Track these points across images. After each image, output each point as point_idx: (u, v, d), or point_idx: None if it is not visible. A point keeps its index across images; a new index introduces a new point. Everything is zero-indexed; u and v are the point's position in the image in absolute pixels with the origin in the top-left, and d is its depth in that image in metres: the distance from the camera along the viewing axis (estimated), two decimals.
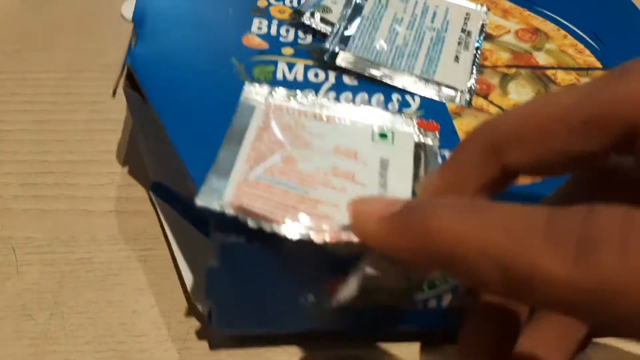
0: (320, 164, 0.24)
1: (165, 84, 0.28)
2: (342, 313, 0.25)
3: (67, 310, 0.28)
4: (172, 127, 0.26)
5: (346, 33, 0.32)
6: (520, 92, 0.32)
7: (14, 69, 0.40)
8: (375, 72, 0.31)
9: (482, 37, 0.34)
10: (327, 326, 0.26)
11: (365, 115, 0.27)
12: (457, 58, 0.32)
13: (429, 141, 0.27)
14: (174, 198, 0.31)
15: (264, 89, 0.27)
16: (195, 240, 0.29)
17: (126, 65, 0.28)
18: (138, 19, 0.31)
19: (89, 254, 0.30)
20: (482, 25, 0.35)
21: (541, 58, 0.34)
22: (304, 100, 0.27)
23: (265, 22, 0.33)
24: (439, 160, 0.27)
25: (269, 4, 0.35)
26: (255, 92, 0.27)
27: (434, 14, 0.35)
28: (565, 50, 0.35)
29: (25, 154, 0.35)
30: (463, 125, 0.30)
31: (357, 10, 0.33)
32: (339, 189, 0.23)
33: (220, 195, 0.22)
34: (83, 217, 0.32)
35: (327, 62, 0.31)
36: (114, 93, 0.29)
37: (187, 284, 0.28)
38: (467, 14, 0.35)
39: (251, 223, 0.22)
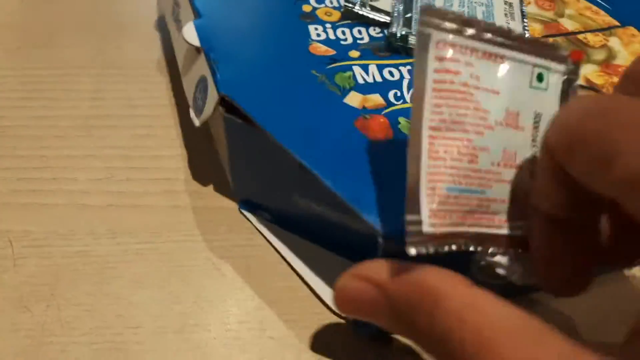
0: (494, 148, 0.22)
1: (266, 105, 0.28)
2: None
3: (63, 303, 0.28)
4: (298, 149, 0.26)
5: (407, 15, 0.32)
6: None
7: (14, 66, 0.39)
8: None
9: (523, 6, 0.34)
10: None
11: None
12: (508, 24, 0.32)
13: (573, 77, 0.24)
14: (273, 212, 0.31)
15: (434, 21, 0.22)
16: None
17: (219, 94, 0.28)
18: (206, 45, 0.30)
19: (86, 247, 0.30)
20: None
21: (568, 24, 0.35)
22: (472, 31, 0.22)
23: (320, 28, 0.33)
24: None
25: (314, 8, 0.34)
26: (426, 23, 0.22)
27: None
28: (584, 14, 0.36)
29: (24, 149, 0.34)
30: None
31: None
32: (506, 180, 0.22)
33: (421, 231, 0.21)
34: (81, 211, 0.31)
35: (398, 46, 0.31)
36: (200, 123, 0.29)
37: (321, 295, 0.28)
38: None
39: (452, 247, 0.21)
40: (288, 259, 0.30)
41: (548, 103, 0.23)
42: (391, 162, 0.26)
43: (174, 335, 0.27)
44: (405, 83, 0.30)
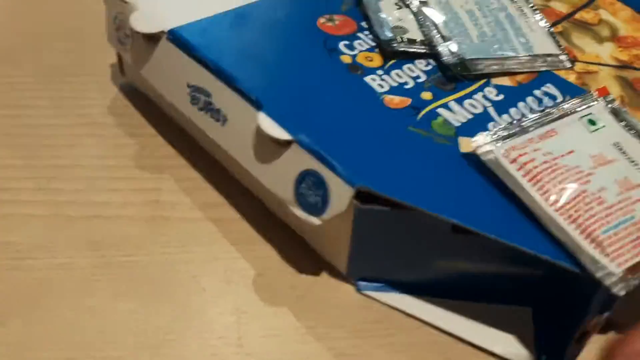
0: (608, 184, 0.25)
1: (399, 183, 0.26)
2: None
3: (46, 315, 0.27)
4: (454, 214, 0.25)
5: (448, 42, 0.32)
6: (585, 43, 0.35)
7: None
8: (501, 66, 0.32)
9: (530, 2, 0.36)
10: None
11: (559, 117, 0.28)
12: (530, 28, 0.34)
13: (614, 104, 0.29)
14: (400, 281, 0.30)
15: (480, 140, 0.27)
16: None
17: (355, 187, 0.25)
18: (300, 137, 0.27)
19: (69, 259, 0.29)
20: None
21: (559, 6, 0.37)
22: (514, 131, 0.27)
23: (376, 78, 0.31)
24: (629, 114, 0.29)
25: (353, 56, 0.32)
26: (478, 147, 0.27)
27: None
28: None
29: (8, 159, 0.34)
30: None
31: (430, 18, 0.33)
32: (635, 201, 0.25)
33: (615, 275, 0.23)
34: (65, 222, 0.31)
35: (456, 76, 0.31)
36: (328, 218, 0.27)
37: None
38: None
39: None
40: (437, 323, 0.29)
41: (614, 132, 0.28)
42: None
43: (152, 350, 0.26)
44: (492, 111, 0.30)
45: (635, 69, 0.33)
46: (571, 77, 0.32)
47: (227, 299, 0.28)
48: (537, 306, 0.29)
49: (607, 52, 0.34)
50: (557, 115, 0.28)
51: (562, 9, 0.37)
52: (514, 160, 0.26)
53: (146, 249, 0.30)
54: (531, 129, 0.28)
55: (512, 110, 0.30)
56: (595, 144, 0.27)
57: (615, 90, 0.32)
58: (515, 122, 0.28)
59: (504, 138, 0.27)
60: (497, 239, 0.24)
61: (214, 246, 0.30)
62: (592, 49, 0.34)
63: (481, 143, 0.27)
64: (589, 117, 0.28)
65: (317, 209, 0.27)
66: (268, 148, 0.28)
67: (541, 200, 0.25)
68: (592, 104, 0.29)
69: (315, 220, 0.27)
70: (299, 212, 0.27)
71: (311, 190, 0.27)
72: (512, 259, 0.27)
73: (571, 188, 0.25)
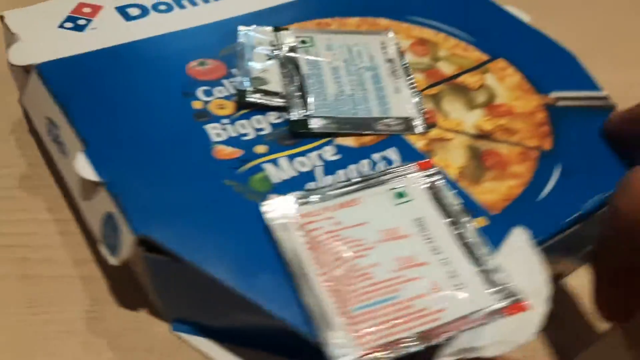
0: (384, 260, 0.25)
1: (188, 237, 0.27)
2: None
3: None
4: (235, 281, 0.25)
5: (300, 97, 0.32)
6: (454, 109, 0.34)
7: None
8: (344, 128, 0.32)
9: (404, 61, 0.36)
10: None
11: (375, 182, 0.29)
12: (397, 89, 0.34)
13: (434, 178, 0.29)
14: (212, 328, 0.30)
15: (276, 203, 0.27)
16: None
17: (137, 235, 0.26)
18: (106, 180, 0.28)
19: None
20: (398, 49, 0.36)
21: (445, 67, 0.37)
22: (316, 197, 0.28)
23: (218, 126, 0.31)
24: (451, 190, 0.29)
25: (205, 102, 0.33)
26: (271, 211, 0.27)
27: (359, 52, 0.35)
28: (456, 53, 0.38)
29: None
30: (442, 161, 0.31)
31: (296, 71, 0.34)
32: (414, 277, 0.25)
33: (348, 351, 0.23)
34: None
35: (300, 132, 0.31)
36: (120, 263, 0.28)
37: None
38: (381, 42, 0.36)
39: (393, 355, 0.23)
40: None
41: (421, 206, 0.28)
42: None
43: None
44: (318, 171, 0.30)
45: (493, 140, 0.33)
46: (420, 143, 0.32)
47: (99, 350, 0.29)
48: None
49: (472, 119, 0.34)
50: (367, 184, 0.28)
51: (448, 70, 0.37)
52: (302, 226, 0.26)
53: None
54: (336, 195, 0.28)
55: (340, 172, 0.30)
56: (394, 217, 0.27)
57: (460, 160, 0.32)
58: (326, 187, 0.28)
59: (303, 203, 0.27)
60: (250, 299, 0.25)
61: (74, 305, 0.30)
62: (458, 115, 0.34)
63: (274, 206, 0.27)
64: (398, 189, 0.28)
65: (114, 250, 0.28)
66: (87, 187, 0.30)
67: (311, 268, 0.25)
68: (409, 175, 0.29)
69: (113, 261, 0.28)
70: (103, 251, 0.29)
71: (112, 232, 0.28)
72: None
73: (341, 262, 0.25)
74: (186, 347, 0.30)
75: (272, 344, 0.29)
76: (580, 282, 0.33)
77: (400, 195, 0.28)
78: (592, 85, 0.36)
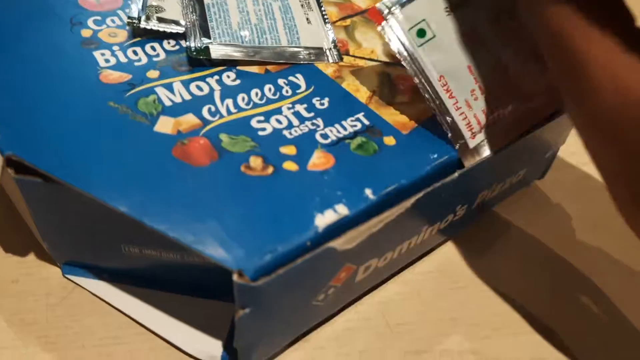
0: None
1: (64, 156, 0.24)
2: None
3: None
4: (113, 198, 0.23)
5: (202, 25, 0.30)
6: (368, 39, 0.32)
7: None
8: (249, 56, 0.29)
9: None
10: None
11: None
12: (308, 20, 0.32)
13: None
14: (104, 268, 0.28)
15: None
16: None
17: (3, 155, 0.23)
18: None
19: None
20: None
21: (360, 2, 0.35)
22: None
23: (107, 52, 0.29)
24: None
25: (95, 31, 0.30)
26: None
27: None
28: None
29: None
30: (352, 86, 0.29)
31: (197, 0, 0.31)
32: None
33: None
34: None
35: (200, 60, 0.29)
36: None
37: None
38: None
39: None
40: (134, 315, 0.27)
41: None
42: (222, 188, 0.24)
43: None
44: (217, 95, 0.28)
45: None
46: (329, 70, 0.30)
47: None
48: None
49: (386, 48, 0.32)
50: None
51: (362, 4, 0.35)
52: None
53: None
54: None
55: (240, 96, 0.28)
56: None
57: (371, 84, 0.30)
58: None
59: None
60: (153, 227, 0.22)
61: None
62: (371, 45, 0.32)
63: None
64: None
65: None
66: None
67: None
68: None
69: None
70: None
71: None
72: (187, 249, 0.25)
73: None
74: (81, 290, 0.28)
75: (167, 279, 0.27)
76: None
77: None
78: None
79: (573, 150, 0.36)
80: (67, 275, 0.28)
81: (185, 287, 0.27)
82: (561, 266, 0.32)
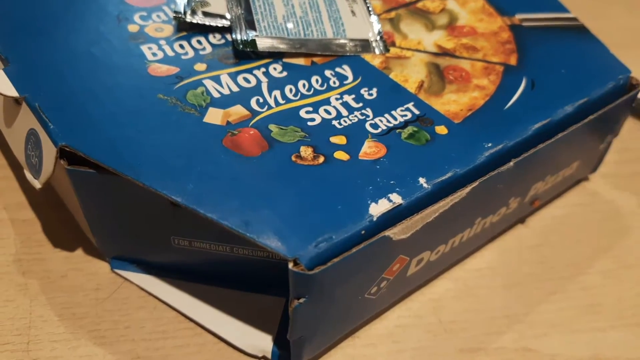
0: None
1: (117, 147, 0.23)
2: None
3: None
4: (168, 188, 0.22)
5: (248, 18, 0.30)
6: (414, 30, 0.32)
7: None
8: (295, 48, 0.29)
9: None
10: None
11: None
12: (353, 12, 0.31)
13: None
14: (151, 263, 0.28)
15: None
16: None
17: (57, 146, 0.23)
18: (27, 94, 0.25)
19: None
20: None
21: None
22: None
23: (154, 46, 0.29)
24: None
25: (142, 27, 0.30)
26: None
27: None
28: None
29: None
30: (400, 77, 0.29)
31: None
32: None
33: None
34: None
35: (247, 52, 0.29)
36: (41, 184, 0.24)
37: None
38: None
39: None
40: (185, 311, 0.26)
41: None
42: (275, 177, 0.23)
43: None
44: (264, 87, 0.27)
45: (454, 56, 0.31)
46: (375, 61, 0.30)
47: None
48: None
49: (432, 39, 0.32)
50: None
51: None
52: None
53: None
54: None
55: (288, 88, 0.28)
56: None
57: (419, 75, 0.29)
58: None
59: None
60: (208, 216, 0.22)
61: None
62: (417, 36, 0.32)
63: None
64: None
65: (36, 170, 0.25)
66: (9, 107, 0.27)
67: None
68: None
69: (36, 184, 0.25)
70: (28, 175, 0.26)
71: (33, 151, 0.25)
72: (238, 241, 0.24)
73: None
74: (130, 284, 0.28)
75: (216, 273, 0.27)
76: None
77: None
78: (559, 6, 0.34)
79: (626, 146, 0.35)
80: (115, 270, 0.28)
81: (234, 281, 0.27)
82: (618, 262, 0.31)
